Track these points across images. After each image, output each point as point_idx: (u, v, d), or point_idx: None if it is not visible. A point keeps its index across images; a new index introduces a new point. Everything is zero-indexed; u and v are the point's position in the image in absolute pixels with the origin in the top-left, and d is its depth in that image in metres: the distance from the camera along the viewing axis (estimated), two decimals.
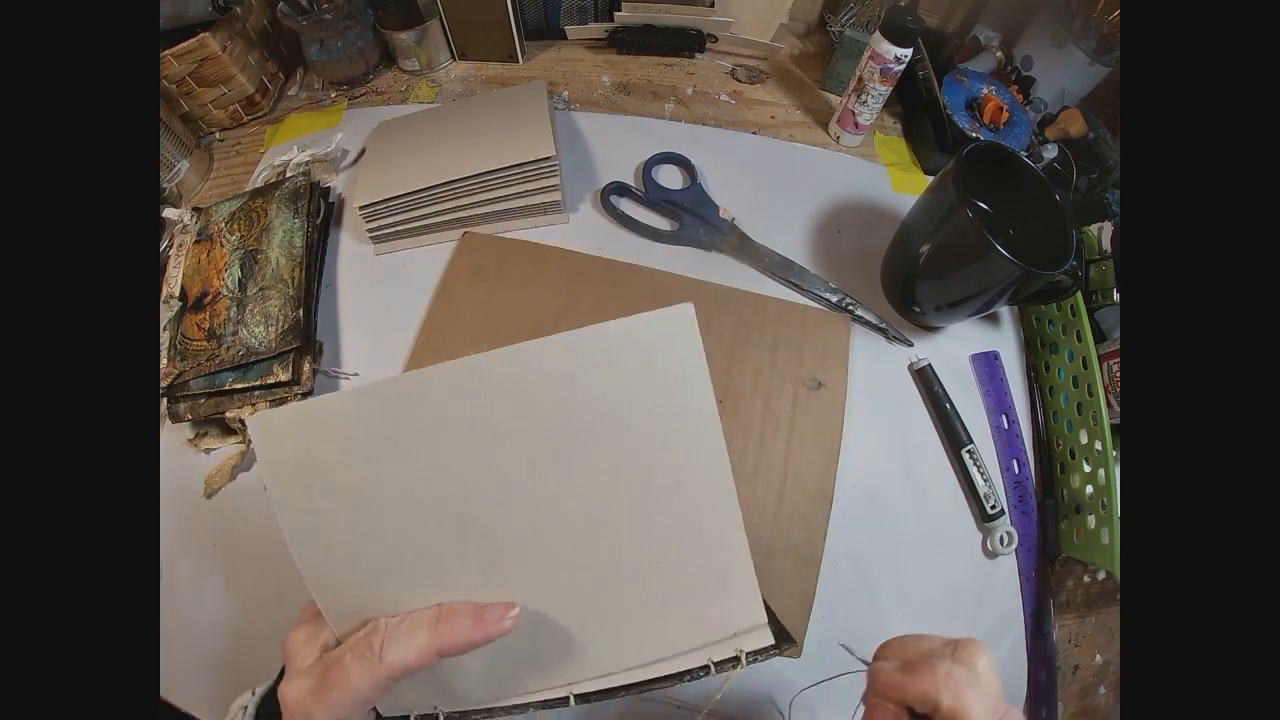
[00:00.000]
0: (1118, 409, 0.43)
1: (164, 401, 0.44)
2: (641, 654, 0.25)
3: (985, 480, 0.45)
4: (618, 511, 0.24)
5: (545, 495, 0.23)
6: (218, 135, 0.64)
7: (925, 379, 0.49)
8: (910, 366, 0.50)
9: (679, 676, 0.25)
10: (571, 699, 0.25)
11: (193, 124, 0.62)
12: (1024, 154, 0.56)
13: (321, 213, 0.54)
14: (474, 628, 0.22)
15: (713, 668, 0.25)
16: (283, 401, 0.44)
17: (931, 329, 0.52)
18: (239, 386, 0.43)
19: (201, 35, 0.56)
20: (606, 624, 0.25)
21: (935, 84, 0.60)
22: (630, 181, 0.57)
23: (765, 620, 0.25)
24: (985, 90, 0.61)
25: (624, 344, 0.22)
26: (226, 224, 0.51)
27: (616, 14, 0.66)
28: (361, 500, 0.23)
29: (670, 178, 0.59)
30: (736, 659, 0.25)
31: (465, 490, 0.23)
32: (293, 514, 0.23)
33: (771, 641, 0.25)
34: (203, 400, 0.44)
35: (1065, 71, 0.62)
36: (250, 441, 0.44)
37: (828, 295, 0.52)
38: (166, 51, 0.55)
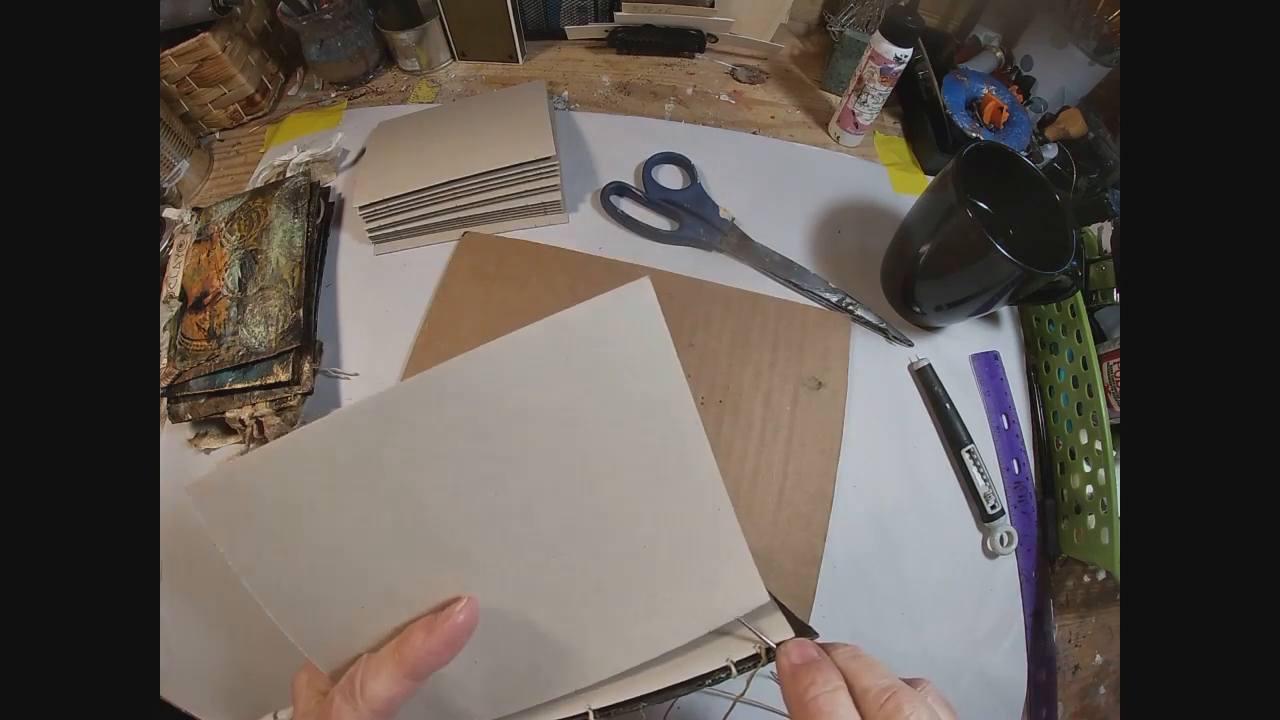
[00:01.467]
0: (1118, 409, 0.43)
1: (164, 401, 0.44)
2: (643, 651, 0.25)
3: (985, 480, 0.45)
4: (595, 510, 0.23)
5: (514, 506, 0.22)
6: (218, 135, 0.64)
7: (925, 379, 0.49)
8: (910, 366, 0.50)
9: (699, 681, 0.24)
10: (591, 714, 0.24)
11: (193, 124, 0.62)
12: (1024, 154, 0.56)
13: (321, 213, 0.54)
14: (429, 638, 0.22)
15: (733, 668, 0.24)
16: (283, 401, 0.44)
17: (931, 329, 0.52)
18: (239, 386, 0.43)
19: (201, 35, 0.56)
20: (602, 625, 0.24)
21: (935, 84, 0.60)
22: (630, 181, 0.57)
23: (766, 598, 0.24)
24: (985, 90, 0.61)
25: (579, 334, 0.21)
26: (226, 224, 0.51)
27: (616, 14, 0.66)
28: (320, 542, 0.22)
29: (670, 178, 0.59)
30: (757, 656, 0.24)
31: (427, 513, 0.22)
32: (255, 573, 0.22)
33: (792, 634, 0.24)
34: (203, 400, 0.44)
35: (1065, 71, 0.62)
36: (249, 445, 0.44)
37: (828, 295, 0.52)
38: (166, 51, 0.55)
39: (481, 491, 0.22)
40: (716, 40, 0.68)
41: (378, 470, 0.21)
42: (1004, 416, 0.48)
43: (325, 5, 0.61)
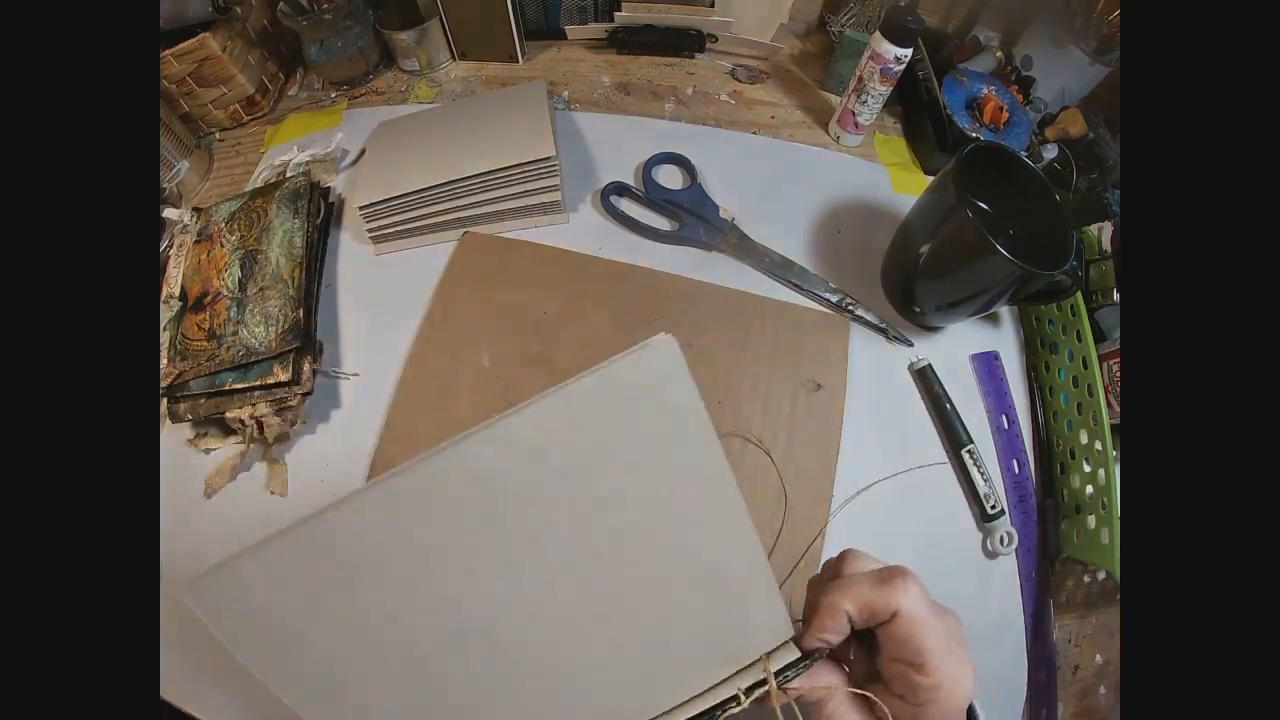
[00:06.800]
0: (1118, 409, 0.43)
1: (164, 401, 0.44)
2: (672, 700, 0.24)
3: (985, 480, 0.45)
4: (625, 585, 0.22)
5: (536, 590, 0.21)
6: (218, 135, 0.64)
7: (925, 379, 0.49)
8: (910, 366, 0.50)
9: (710, 714, 0.23)
10: None
11: (193, 124, 0.62)
12: (1024, 154, 0.56)
13: (321, 213, 0.54)
14: None
15: (742, 696, 0.23)
16: (283, 402, 0.44)
17: (931, 329, 0.52)
18: (239, 386, 0.43)
19: (201, 35, 0.56)
20: (633, 694, 0.24)
21: (935, 84, 0.60)
22: (630, 181, 0.57)
23: (791, 634, 0.24)
24: (985, 90, 0.61)
25: (591, 404, 0.19)
26: (226, 224, 0.51)
27: (616, 14, 0.66)
28: (331, 636, 0.21)
29: (670, 178, 0.59)
30: (764, 682, 0.23)
31: (444, 601, 0.21)
32: (267, 668, 0.21)
33: (798, 654, 0.24)
34: (203, 400, 0.44)
35: (1065, 71, 0.62)
36: (249, 445, 0.44)
37: (828, 295, 0.52)
38: (166, 51, 0.55)
39: (500, 576, 0.21)
40: (716, 40, 0.68)
41: (387, 561, 0.20)
42: (1004, 416, 0.48)
43: (325, 5, 0.61)
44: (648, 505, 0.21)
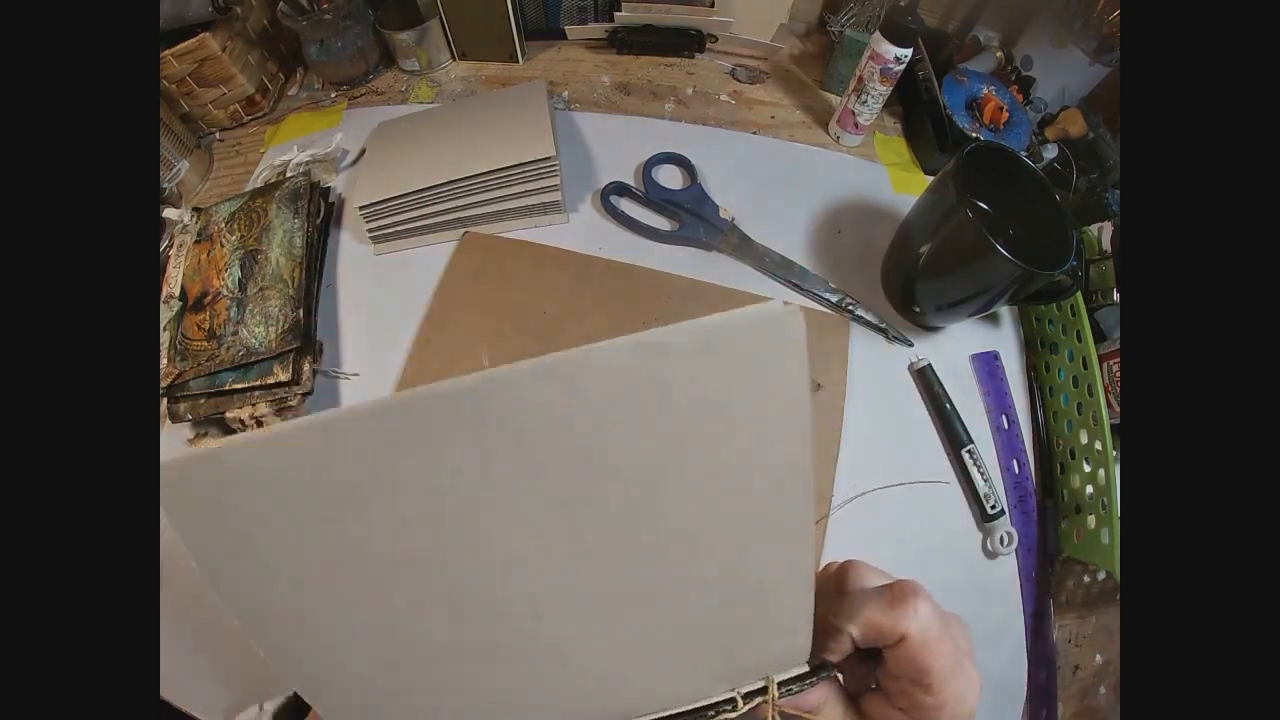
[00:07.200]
0: (1118, 409, 0.43)
1: (164, 401, 0.44)
2: (675, 704, 0.22)
3: (985, 480, 0.45)
4: (656, 578, 0.19)
5: (558, 558, 0.18)
6: (218, 135, 0.64)
7: (925, 379, 0.49)
8: (910, 367, 0.50)
9: (701, 713, 0.22)
10: None
11: (193, 124, 0.62)
12: (1024, 154, 0.56)
13: (321, 213, 0.54)
14: None
15: (740, 702, 0.21)
16: (283, 401, 0.44)
17: (931, 329, 0.52)
18: (239, 386, 0.43)
19: (201, 35, 0.56)
20: (637, 685, 0.22)
21: (935, 84, 0.60)
22: (630, 181, 0.57)
23: (807, 666, 0.22)
24: (985, 90, 0.61)
25: (685, 364, 0.15)
26: (226, 224, 0.51)
27: (616, 14, 0.66)
28: (309, 561, 0.18)
29: (670, 178, 0.59)
30: (765, 689, 0.21)
31: (448, 551, 0.18)
32: (224, 582, 0.18)
33: (807, 669, 0.22)
34: (203, 400, 0.44)
35: (1065, 71, 0.62)
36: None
37: (828, 295, 0.52)
38: (166, 51, 0.55)
39: (519, 535, 0.18)
40: (716, 40, 0.68)
41: (391, 490, 0.17)
42: (1004, 416, 0.48)
43: (325, 5, 0.61)
44: (710, 497, 0.18)
